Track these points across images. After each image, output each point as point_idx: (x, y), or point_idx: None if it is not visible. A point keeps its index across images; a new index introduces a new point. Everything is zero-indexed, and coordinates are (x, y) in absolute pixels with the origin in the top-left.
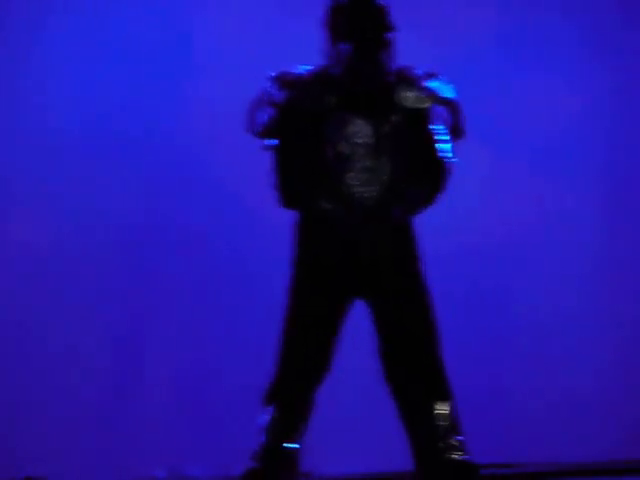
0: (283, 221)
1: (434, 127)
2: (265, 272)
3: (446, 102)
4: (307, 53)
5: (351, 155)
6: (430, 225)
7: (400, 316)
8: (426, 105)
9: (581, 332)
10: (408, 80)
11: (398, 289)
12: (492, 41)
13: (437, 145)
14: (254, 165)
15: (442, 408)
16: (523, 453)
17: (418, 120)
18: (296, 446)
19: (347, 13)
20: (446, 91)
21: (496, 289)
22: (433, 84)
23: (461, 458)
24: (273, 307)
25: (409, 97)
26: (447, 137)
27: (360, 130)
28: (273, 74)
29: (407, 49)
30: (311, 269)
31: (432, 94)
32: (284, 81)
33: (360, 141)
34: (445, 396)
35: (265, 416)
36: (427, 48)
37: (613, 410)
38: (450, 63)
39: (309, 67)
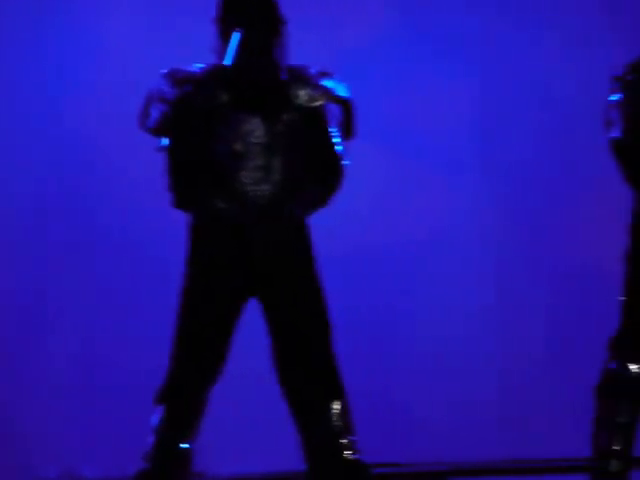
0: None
1: (328, 126)
2: (160, 272)
3: (339, 101)
4: (202, 52)
5: (244, 154)
6: (325, 225)
7: (293, 316)
8: (320, 104)
9: (470, 334)
10: (302, 78)
11: (291, 289)
12: (389, 39)
13: (332, 144)
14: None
15: (336, 407)
16: (413, 453)
17: (313, 119)
18: (188, 446)
19: (236, 6)
20: (340, 90)
21: (391, 289)
22: (327, 83)
23: (353, 457)
24: (167, 307)
25: (303, 95)
26: (340, 136)
27: (253, 128)
28: (165, 71)
29: (301, 47)
30: (205, 269)
31: (326, 92)
32: (176, 78)
33: (253, 140)
34: (338, 395)
35: (156, 416)
36: (321, 46)
37: (497, 411)
38: (344, 62)
39: (202, 65)
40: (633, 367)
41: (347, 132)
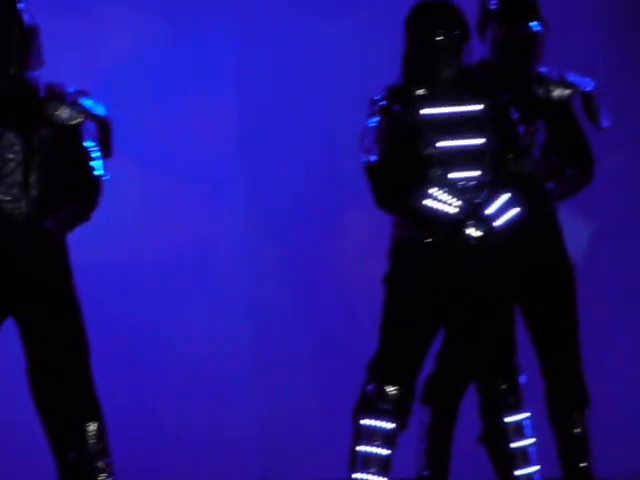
0: None
1: (86, 144)
2: None
3: (97, 119)
4: None
5: (1, 170)
6: (82, 241)
7: (49, 335)
8: (77, 121)
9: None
10: (59, 96)
11: (47, 307)
12: (142, 53)
13: (90, 162)
14: None
15: (91, 429)
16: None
17: (70, 136)
18: None
19: None
20: (97, 109)
21: (153, 303)
22: (85, 102)
23: None
24: None
25: (60, 113)
26: (98, 154)
27: (10, 144)
28: None
29: (62, 66)
30: None
31: (84, 111)
32: None
33: (10, 156)
34: (94, 416)
35: None
36: (80, 65)
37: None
38: (102, 78)
39: None
40: (390, 389)
41: (105, 149)
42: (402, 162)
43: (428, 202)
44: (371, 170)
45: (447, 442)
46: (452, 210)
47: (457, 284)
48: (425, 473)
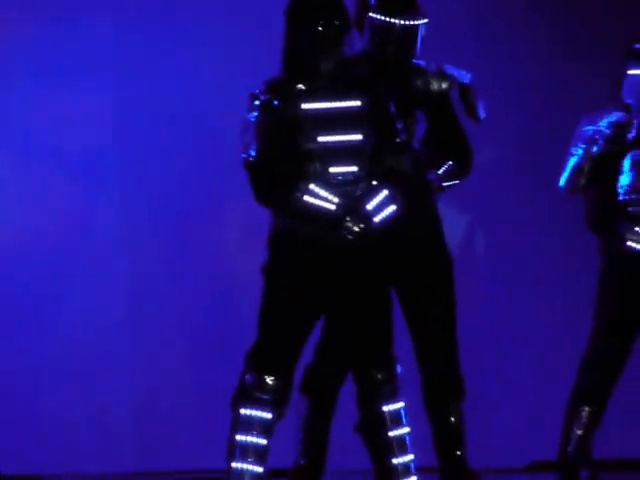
0: None
1: None
2: None
3: None
4: None
5: None
6: None
7: None
8: None
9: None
10: None
11: None
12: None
13: None
14: None
15: None
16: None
17: None
18: None
19: None
20: None
21: (32, 289)
22: None
23: None
24: None
25: None
26: None
27: None
28: None
29: None
30: None
31: None
32: None
33: None
34: None
35: None
36: None
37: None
38: None
39: None
40: (268, 379)
41: None
42: (281, 157)
43: (307, 198)
44: (250, 165)
45: (325, 431)
46: (331, 206)
47: (334, 275)
48: (302, 462)
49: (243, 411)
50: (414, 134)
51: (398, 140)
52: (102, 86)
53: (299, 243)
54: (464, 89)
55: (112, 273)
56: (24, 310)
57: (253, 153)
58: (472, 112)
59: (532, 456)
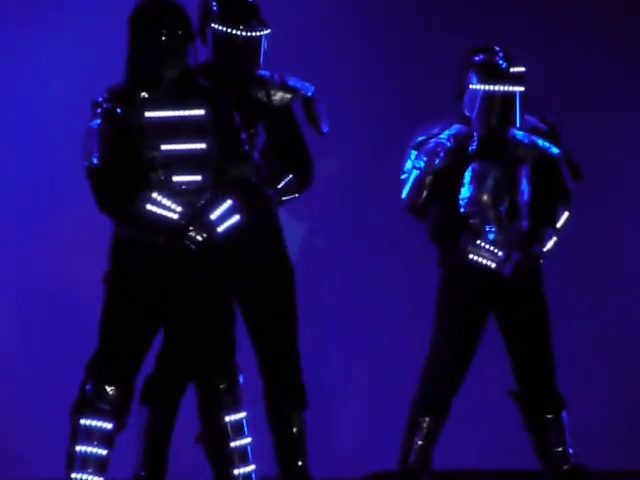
0: None
1: None
2: None
3: None
4: None
5: None
6: None
7: None
8: None
9: None
10: None
11: None
12: None
13: None
14: None
15: None
16: None
17: None
18: None
19: None
20: None
21: None
22: None
23: None
24: None
25: None
26: None
27: None
28: None
29: None
30: None
31: None
32: None
33: None
34: None
35: None
36: None
37: None
38: None
39: None
40: (109, 389)
41: None
42: (124, 165)
43: (150, 207)
44: (92, 173)
45: (165, 442)
46: (174, 216)
47: (175, 285)
48: (142, 473)
49: (83, 421)
50: (255, 145)
51: (242, 150)
52: None
53: (140, 252)
54: (307, 102)
55: None
56: None
57: (95, 161)
58: (316, 124)
59: (373, 466)
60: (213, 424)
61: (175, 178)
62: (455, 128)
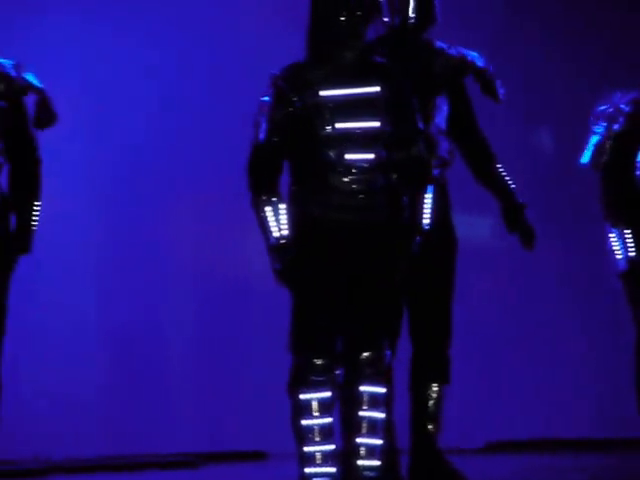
0: None
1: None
2: None
3: (39, 92)
4: None
5: None
6: None
7: None
8: (20, 94)
9: None
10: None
11: None
12: None
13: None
14: None
15: None
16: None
17: (11, 109)
18: None
19: None
20: (37, 82)
21: None
22: (27, 75)
23: None
24: None
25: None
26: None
27: None
28: None
29: None
30: None
31: (28, 84)
32: None
33: None
34: None
35: None
36: None
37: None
38: None
39: None
40: (318, 361)
41: (46, 121)
42: (288, 144)
43: (266, 214)
44: (255, 147)
45: None
46: (274, 234)
47: (362, 254)
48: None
49: (302, 396)
50: (432, 121)
51: (416, 128)
52: None
53: (327, 228)
54: (480, 72)
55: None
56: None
57: (262, 136)
58: (492, 93)
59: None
60: (349, 392)
61: (347, 156)
62: (635, 93)
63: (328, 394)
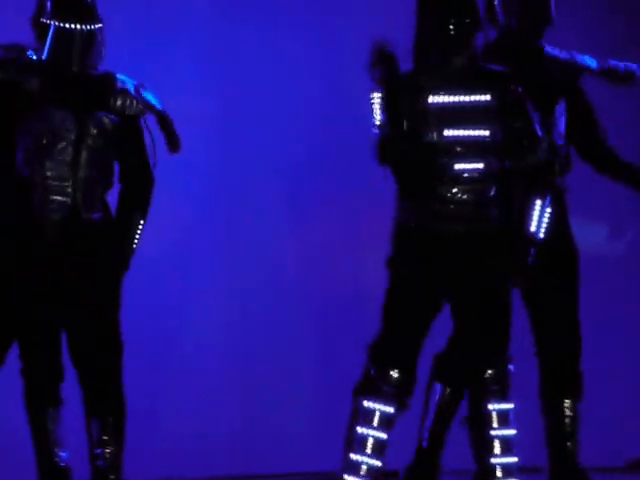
0: None
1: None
2: None
3: (157, 112)
4: None
5: (53, 147)
6: None
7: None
8: (137, 113)
9: None
10: (120, 85)
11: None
12: None
13: (145, 155)
14: None
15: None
16: None
17: (129, 127)
18: None
19: None
20: (156, 102)
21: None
22: (146, 94)
23: None
24: None
25: (122, 102)
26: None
27: (63, 123)
28: None
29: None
30: None
31: (146, 103)
32: None
33: (63, 134)
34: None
35: None
36: None
37: None
38: None
39: None
40: (394, 372)
41: (172, 143)
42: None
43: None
44: (381, 140)
45: (450, 419)
46: None
47: (457, 267)
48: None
49: (366, 403)
50: (553, 129)
51: (533, 136)
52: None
53: (423, 236)
54: (596, 75)
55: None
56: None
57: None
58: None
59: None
60: (478, 410)
61: (457, 166)
62: None
63: (392, 410)
